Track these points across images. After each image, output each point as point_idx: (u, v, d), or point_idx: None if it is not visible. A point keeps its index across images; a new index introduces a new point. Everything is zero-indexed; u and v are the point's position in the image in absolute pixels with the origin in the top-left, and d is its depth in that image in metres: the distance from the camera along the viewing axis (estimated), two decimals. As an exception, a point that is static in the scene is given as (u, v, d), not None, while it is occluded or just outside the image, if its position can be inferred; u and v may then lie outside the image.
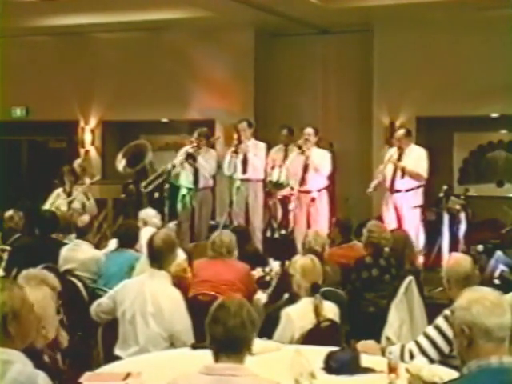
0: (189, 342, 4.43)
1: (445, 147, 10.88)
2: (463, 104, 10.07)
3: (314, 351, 4.04)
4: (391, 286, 5.76)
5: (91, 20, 11.19)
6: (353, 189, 10.09)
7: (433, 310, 4.92)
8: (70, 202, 9.43)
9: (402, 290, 5.53)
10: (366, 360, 3.96)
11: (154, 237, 4.92)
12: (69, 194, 9.57)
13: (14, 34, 11.50)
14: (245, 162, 9.15)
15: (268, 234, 9.70)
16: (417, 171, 8.51)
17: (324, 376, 3.83)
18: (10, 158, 12.46)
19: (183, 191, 9.40)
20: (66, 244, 6.76)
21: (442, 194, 8.53)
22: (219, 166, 9.45)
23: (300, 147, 8.81)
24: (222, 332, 2.97)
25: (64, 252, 6.51)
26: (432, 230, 8.68)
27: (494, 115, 10.29)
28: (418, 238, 8.31)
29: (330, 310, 4.75)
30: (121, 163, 9.88)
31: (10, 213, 8.24)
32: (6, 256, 6.85)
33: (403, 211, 8.56)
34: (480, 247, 8.34)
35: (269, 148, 9.63)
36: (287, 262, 6.10)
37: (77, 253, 6.51)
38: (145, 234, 6.36)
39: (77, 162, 10.60)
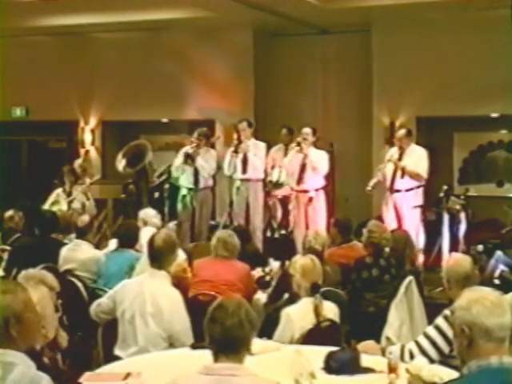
0: (188, 343, 4.43)
1: (445, 147, 10.88)
2: (463, 104, 10.07)
3: (314, 351, 4.04)
4: (391, 286, 5.76)
5: (91, 20, 11.18)
6: (353, 189, 10.09)
7: (433, 310, 4.92)
8: (69, 202, 9.43)
9: (402, 289, 5.53)
10: (366, 360, 3.96)
11: (155, 237, 4.92)
12: (69, 194, 9.58)
13: (14, 33, 11.50)
14: (245, 161, 9.16)
15: (268, 234, 9.71)
16: (417, 171, 8.51)
17: (324, 376, 3.83)
18: (10, 158, 12.45)
19: (183, 191, 9.41)
20: (66, 244, 6.76)
21: (442, 194, 8.53)
22: (219, 166, 9.46)
23: (299, 144, 8.82)
24: (219, 332, 2.97)
25: (64, 252, 6.52)
26: (432, 230, 8.68)
27: (494, 115, 10.28)
28: (418, 238, 8.31)
29: (330, 310, 4.75)
30: (121, 163, 9.88)
31: (10, 213, 8.25)
32: (6, 256, 6.85)
33: (403, 211, 8.56)
34: (480, 247, 8.34)
35: (269, 148, 9.64)
36: (287, 262, 6.10)
37: (77, 253, 6.51)
38: (145, 233, 6.36)
39: (77, 163, 10.60)
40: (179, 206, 9.39)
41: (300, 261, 4.94)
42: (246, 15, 10.40)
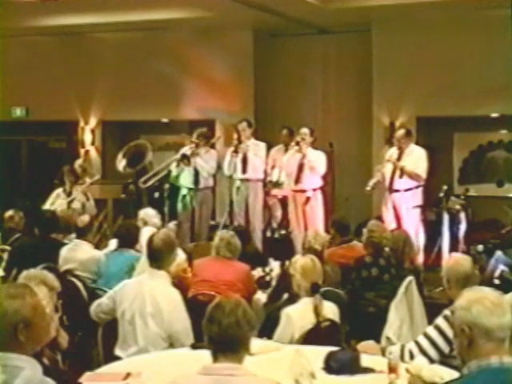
0: (188, 343, 4.43)
1: (445, 147, 10.87)
2: (463, 104, 10.07)
3: (314, 351, 4.04)
4: (391, 286, 5.76)
5: (91, 20, 11.18)
6: (353, 189, 10.08)
7: (433, 310, 4.92)
8: (69, 202, 9.43)
9: (401, 289, 5.52)
10: (366, 360, 3.96)
11: (154, 237, 4.91)
12: (69, 194, 9.58)
13: (14, 33, 11.49)
14: (245, 161, 9.16)
15: (268, 234, 9.71)
16: (416, 171, 8.53)
17: (324, 376, 3.83)
18: (10, 158, 12.44)
19: (183, 191, 9.42)
20: (66, 244, 6.76)
21: (442, 194, 8.52)
22: (219, 166, 9.46)
23: (298, 143, 8.83)
24: (217, 331, 2.97)
25: (64, 252, 6.52)
26: (432, 230, 8.68)
27: (494, 115, 10.28)
28: (418, 238, 8.32)
29: (330, 310, 4.75)
30: (121, 163, 9.89)
31: (10, 213, 8.25)
32: (6, 256, 6.85)
33: (402, 211, 8.58)
34: (480, 247, 8.33)
35: (269, 148, 9.64)
36: (287, 262, 6.10)
37: (77, 253, 6.51)
38: (145, 233, 6.36)
39: (77, 163, 10.60)
40: (179, 205, 9.40)
41: (300, 261, 4.94)
42: (246, 15, 10.40)
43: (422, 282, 6.30)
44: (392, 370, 3.69)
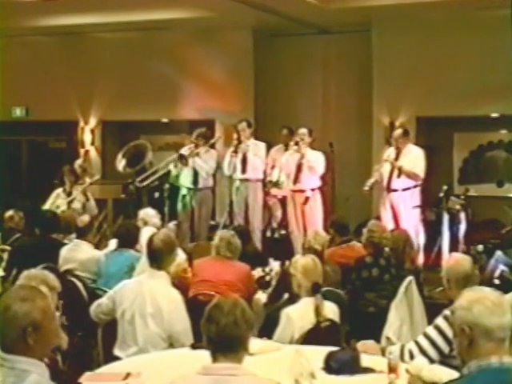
0: (188, 343, 4.43)
1: (445, 147, 10.87)
2: (463, 104, 10.06)
3: (314, 351, 4.04)
4: (391, 286, 5.77)
5: (91, 20, 11.17)
6: (353, 189, 10.07)
7: (433, 310, 4.92)
8: (69, 202, 9.43)
9: (402, 289, 5.53)
10: (366, 360, 3.96)
11: (154, 237, 4.91)
12: (69, 194, 9.57)
13: (13, 33, 11.49)
14: (244, 161, 9.17)
15: (268, 234, 9.71)
16: (413, 171, 8.56)
17: (324, 376, 3.83)
18: (10, 158, 12.44)
19: (183, 191, 9.43)
20: (66, 244, 6.76)
21: (442, 194, 8.52)
22: (219, 166, 9.47)
23: (297, 143, 8.83)
24: (215, 331, 2.96)
25: (64, 252, 6.52)
26: (432, 230, 8.68)
27: (494, 115, 10.28)
28: (418, 238, 8.32)
29: (330, 310, 4.76)
30: (121, 163, 9.89)
31: (10, 213, 8.25)
32: (6, 256, 6.84)
33: (400, 210, 8.59)
34: (480, 247, 8.33)
35: (269, 148, 9.65)
36: (287, 262, 6.11)
37: (77, 253, 6.51)
38: (145, 233, 6.36)
39: (77, 163, 10.60)
40: (179, 205, 9.41)
41: (301, 260, 4.94)
42: (246, 15, 10.40)
43: (421, 282, 6.30)
44: (392, 369, 3.69)
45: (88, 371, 3.95)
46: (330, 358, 3.92)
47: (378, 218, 8.31)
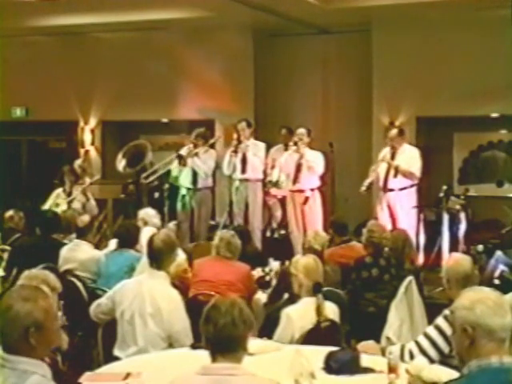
0: (187, 343, 4.43)
1: (445, 147, 10.87)
2: (463, 104, 10.06)
3: (314, 351, 4.04)
4: (391, 286, 5.77)
5: (91, 20, 11.17)
6: (352, 189, 10.05)
7: (433, 310, 4.92)
8: (69, 202, 9.43)
9: (401, 289, 5.53)
10: (366, 360, 3.96)
11: (154, 237, 4.91)
12: (69, 194, 9.57)
13: (13, 33, 11.49)
14: (244, 161, 9.16)
15: (268, 234, 9.71)
16: (410, 170, 8.58)
17: (324, 376, 3.83)
18: (10, 158, 12.44)
19: (183, 191, 9.42)
20: (66, 244, 6.76)
21: (442, 194, 8.52)
22: (218, 166, 9.47)
23: (296, 143, 8.84)
24: (213, 332, 2.96)
25: (64, 252, 6.52)
26: (432, 230, 8.68)
27: (494, 115, 10.28)
28: (417, 238, 8.32)
29: (331, 310, 4.76)
30: (121, 163, 9.89)
31: (10, 213, 8.25)
32: (6, 256, 6.84)
33: (396, 210, 8.60)
34: (480, 247, 8.33)
35: (269, 148, 9.64)
36: (287, 262, 6.11)
37: (77, 253, 6.51)
38: (145, 233, 6.36)
39: (77, 163, 10.59)
40: (178, 205, 9.40)
41: (302, 260, 4.94)
42: (245, 15, 10.40)
43: (421, 282, 6.30)
44: (392, 370, 3.69)
45: (88, 371, 3.95)
46: (330, 358, 3.92)
47: (377, 218, 8.31)
